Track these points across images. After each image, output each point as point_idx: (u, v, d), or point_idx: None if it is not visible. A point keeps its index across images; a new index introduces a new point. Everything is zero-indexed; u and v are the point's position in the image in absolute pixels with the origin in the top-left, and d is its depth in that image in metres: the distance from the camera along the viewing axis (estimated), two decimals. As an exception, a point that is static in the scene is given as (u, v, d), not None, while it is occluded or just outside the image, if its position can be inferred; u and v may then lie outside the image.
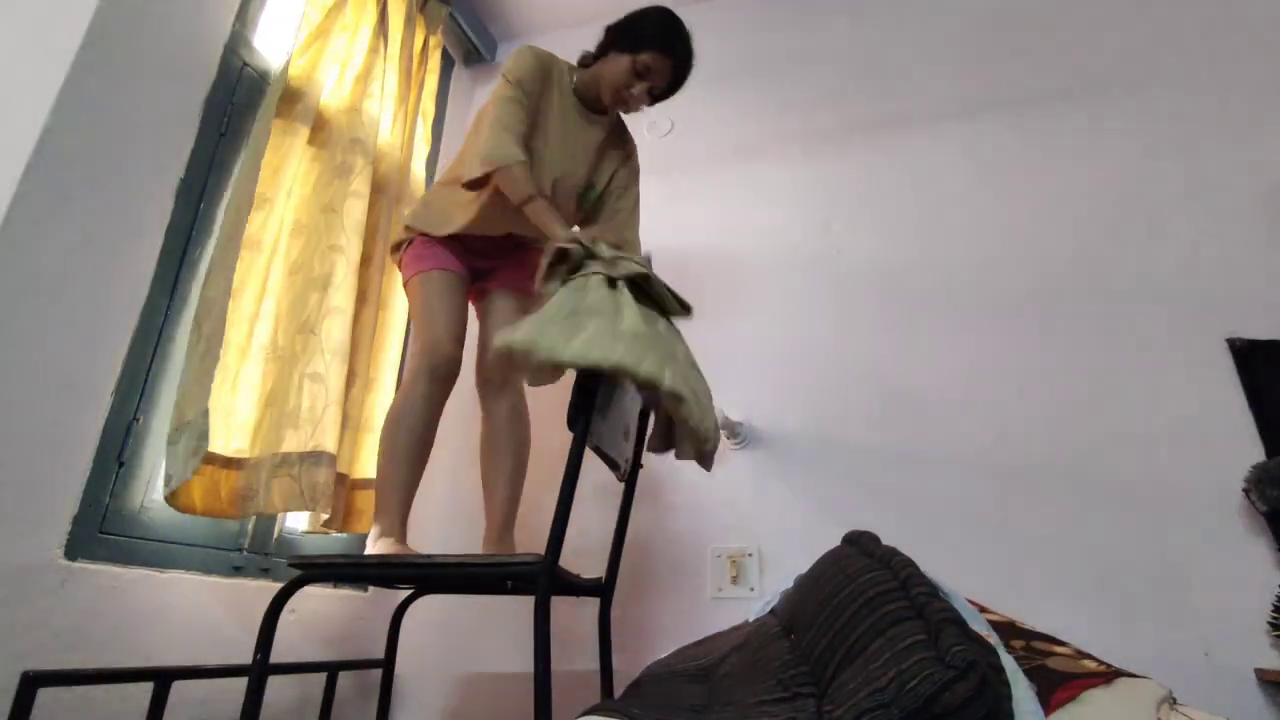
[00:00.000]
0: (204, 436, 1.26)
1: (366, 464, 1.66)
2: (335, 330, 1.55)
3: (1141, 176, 1.81)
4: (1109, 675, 0.80)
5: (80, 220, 1.13)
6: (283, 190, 1.53)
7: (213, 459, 1.33)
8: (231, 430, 1.40)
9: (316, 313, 1.53)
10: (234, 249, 1.36)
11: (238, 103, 1.49)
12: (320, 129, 1.65)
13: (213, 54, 1.42)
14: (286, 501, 1.41)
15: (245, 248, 1.40)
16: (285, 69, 1.53)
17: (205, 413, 1.27)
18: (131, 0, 1.23)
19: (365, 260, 1.69)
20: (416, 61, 2.07)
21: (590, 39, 1.55)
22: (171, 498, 1.24)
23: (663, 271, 2.17)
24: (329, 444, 1.48)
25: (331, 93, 1.71)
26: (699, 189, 2.21)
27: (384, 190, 1.81)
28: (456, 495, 1.98)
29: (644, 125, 2.34)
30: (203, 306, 1.31)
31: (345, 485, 1.61)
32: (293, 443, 1.44)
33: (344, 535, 1.71)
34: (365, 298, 1.69)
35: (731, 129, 2.26)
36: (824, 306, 1.94)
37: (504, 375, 1.51)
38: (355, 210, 1.65)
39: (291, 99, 1.56)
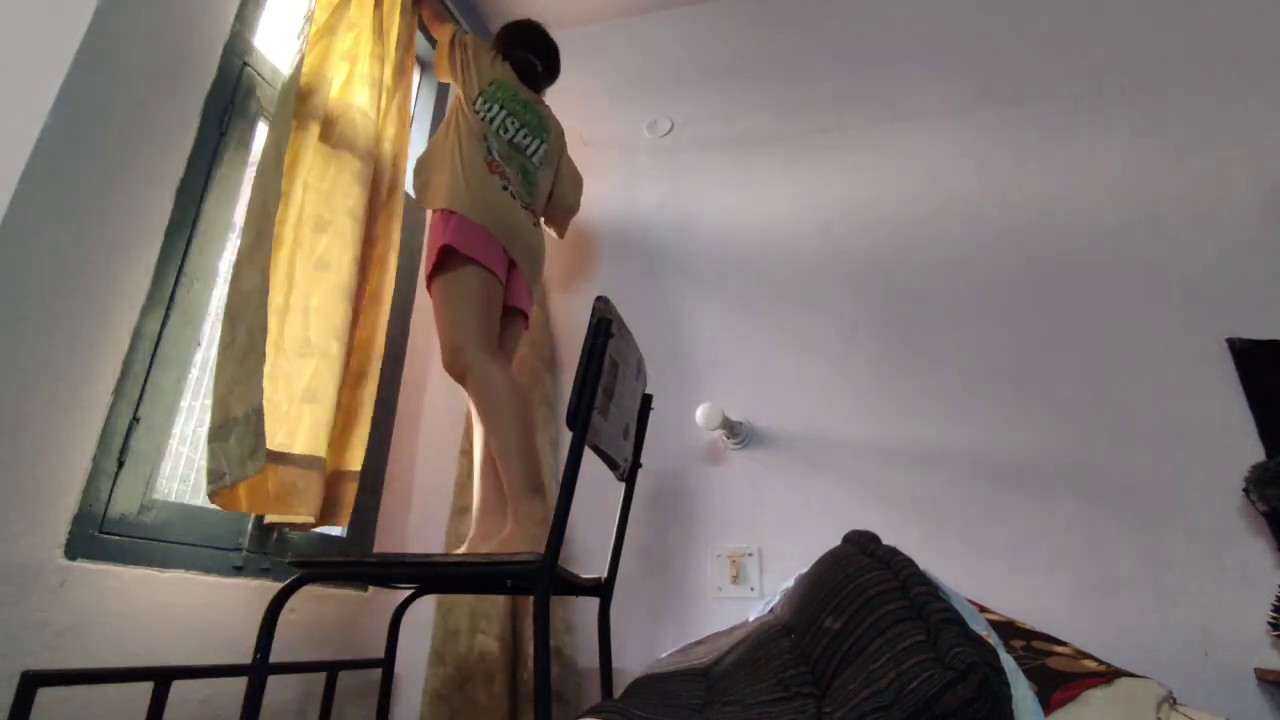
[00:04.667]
0: (260, 435, 1.27)
1: (354, 457, 1.66)
2: (334, 317, 1.56)
3: (1142, 176, 1.81)
4: (1109, 675, 0.80)
5: (80, 220, 1.13)
6: (297, 186, 1.54)
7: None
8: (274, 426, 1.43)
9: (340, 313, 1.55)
10: (265, 243, 1.36)
11: (238, 103, 1.49)
12: (327, 126, 1.66)
13: (213, 54, 1.42)
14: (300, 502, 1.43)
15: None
16: (299, 65, 1.53)
17: (258, 410, 1.28)
18: (131, 0, 1.23)
19: (365, 257, 1.68)
20: (412, 56, 2.01)
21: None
22: (217, 496, 1.25)
23: (663, 269, 2.17)
24: (320, 449, 1.50)
25: (333, 89, 1.70)
26: (699, 188, 2.21)
27: (378, 189, 1.79)
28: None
29: (644, 125, 2.34)
30: (236, 301, 1.31)
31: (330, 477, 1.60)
32: (303, 445, 1.47)
33: (342, 535, 1.71)
34: (373, 296, 1.70)
35: (731, 128, 2.26)
36: (823, 306, 1.94)
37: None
38: (356, 208, 1.65)
39: (301, 97, 1.55)
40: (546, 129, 1.91)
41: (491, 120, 1.77)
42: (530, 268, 1.72)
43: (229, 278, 1.35)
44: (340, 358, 1.55)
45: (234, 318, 1.30)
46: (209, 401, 1.29)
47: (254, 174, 1.44)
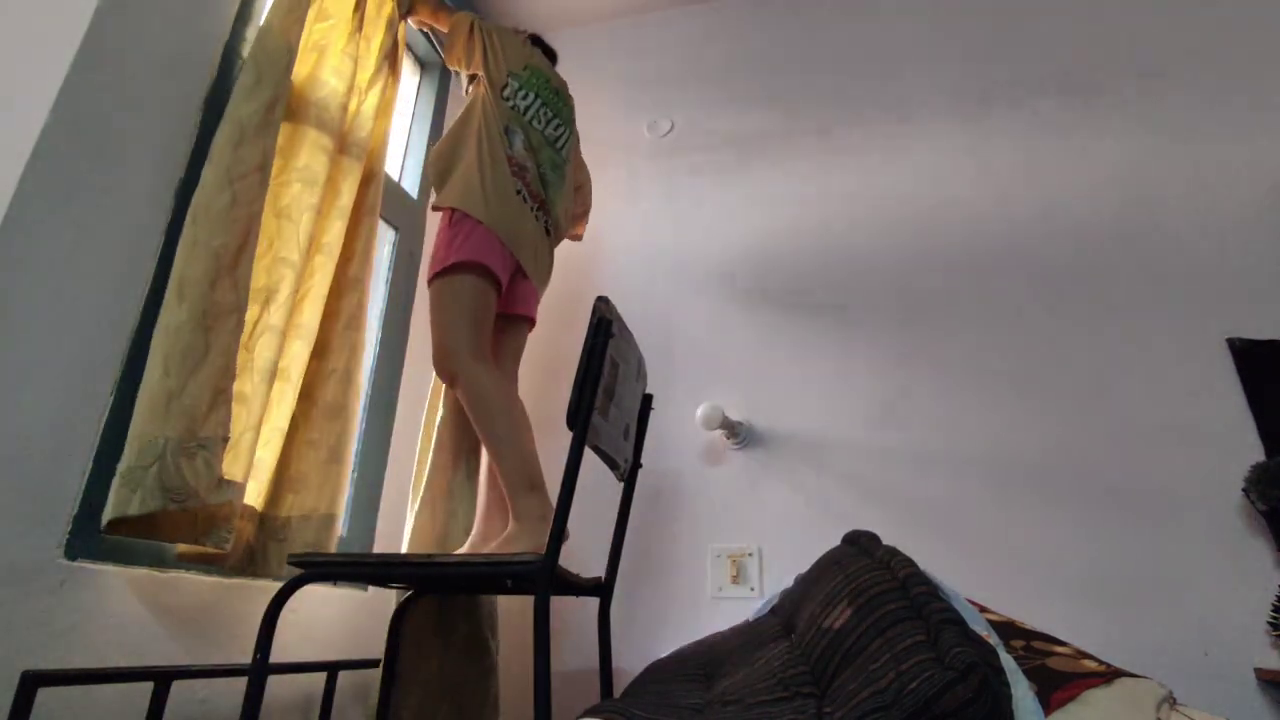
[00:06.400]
0: (220, 463, 1.17)
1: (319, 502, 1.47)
2: (269, 350, 1.35)
3: (1141, 176, 1.81)
4: (1109, 675, 0.80)
5: (80, 220, 1.13)
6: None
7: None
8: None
9: (251, 327, 1.33)
10: (252, 242, 1.25)
11: (237, 103, 1.48)
12: (287, 121, 1.48)
13: (213, 53, 1.42)
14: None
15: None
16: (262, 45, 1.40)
17: (224, 440, 1.17)
18: (131, 0, 1.23)
19: (340, 275, 1.54)
20: (392, 51, 1.80)
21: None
22: (164, 516, 1.11)
23: (663, 270, 2.17)
24: (238, 473, 1.27)
25: (303, 84, 1.53)
26: (698, 189, 2.21)
27: (331, 196, 1.57)
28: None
29: (644, 125, 2.35)
30: (209, 310, 1.18)
31: (255, 520, 1.40)
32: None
33: (344, 535, 1.71)
34: (350, 319, 1.56)
35: (731, 129, 2.26)
36: (823, 306, 1.94)
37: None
38: (310, 224, 1.44)
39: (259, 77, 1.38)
40: (573, 120, 1.87)
41: (525, 110, 1.70)
42: (538, 274, 1.70)
43: (192, 281, 1.18)
44: (264, 397, 1.34)
45: (209, 329, 1.17)
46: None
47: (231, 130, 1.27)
